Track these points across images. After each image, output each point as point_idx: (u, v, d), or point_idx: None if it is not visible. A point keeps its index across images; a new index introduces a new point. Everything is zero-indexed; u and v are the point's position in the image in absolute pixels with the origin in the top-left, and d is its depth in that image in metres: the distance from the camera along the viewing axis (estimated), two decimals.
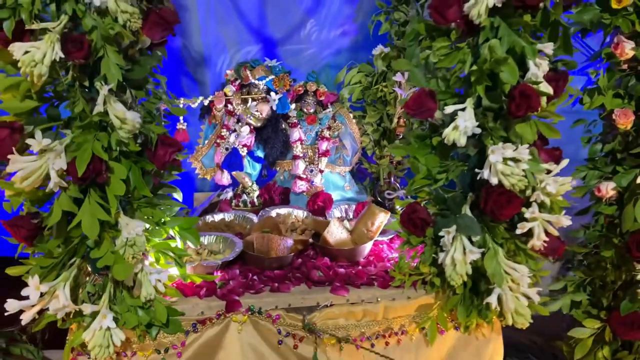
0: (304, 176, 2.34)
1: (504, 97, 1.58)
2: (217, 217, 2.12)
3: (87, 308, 1.34)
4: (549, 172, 1.63)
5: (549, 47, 1.59)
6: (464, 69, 1.62)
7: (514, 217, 1.68)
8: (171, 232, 1.55)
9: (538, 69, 1.60)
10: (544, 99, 1.61)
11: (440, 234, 1.63)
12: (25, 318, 1.34)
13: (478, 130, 1.57)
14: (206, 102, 2.19)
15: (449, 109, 1.60)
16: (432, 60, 1.72)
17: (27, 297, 1.33)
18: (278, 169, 2.43)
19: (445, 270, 1.62)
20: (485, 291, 1.67)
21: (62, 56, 1.31)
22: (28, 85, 1.37)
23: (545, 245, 1.63)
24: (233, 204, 2.30)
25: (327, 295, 1.68)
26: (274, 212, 2.12)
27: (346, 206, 2.30)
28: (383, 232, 2.05)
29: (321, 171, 2.37)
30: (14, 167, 1.29)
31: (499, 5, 1.50)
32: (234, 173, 2.28)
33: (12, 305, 1.31)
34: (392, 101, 2.47)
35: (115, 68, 1.35)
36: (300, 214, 2.15)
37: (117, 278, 1.35)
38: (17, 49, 1.28)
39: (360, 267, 1.84)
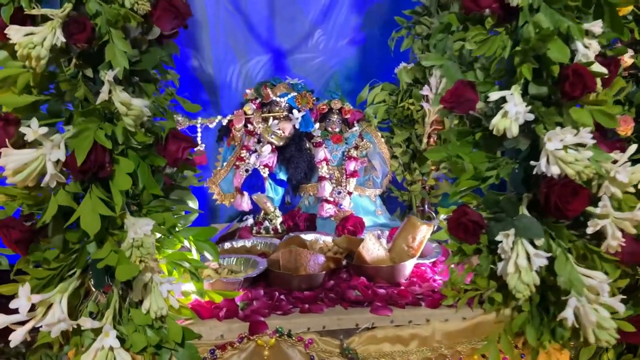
0: (331, 199, 2.14)
1: (551, 84, 1.42)
2: (237, 243, 1.90)
3: (86, 322, 1.12)
4: (614, 163, 1.42)
5: (597, 25, 1.44)
6: (504, 54, 1.46)
7: (579, 219, 1.46)
8: (186, 244, 1.35)
9: (588, 49, 1.44)
10: (598, 83, 1.44)
11: (497, 238, 1.40)
12: (14, 339, 1.12)
13: (531, 117, 1.38)
14: (225, 122, 2.06)
15: (494, 96, 1.43)
16: (467, 51, 1.58)
17: (16, 311, 1.11)
18: (302, 194, 2.24)
19: (508, 281, 1.37)
20: (555, 306, 1.42)
21: (64, 40, 1.18)
22: (27, 77, 1.24)
23: (621, 248, 1.39)
24: (254, 231, 2.09)
25: (368, 316, 1.43)
26: (300, 236, 1.90)
27: (379, 232, 2.07)
28: (423, 255, 1.82)
29: (349, 193, 2.17)
30: (5, 159, 1.12)
31: None
32: (254, 197, 2.08)
33: None
34: (420, 120, 2.32)
35: (121, 54, 1.22)
36: (329, 239, 1.93)
37: (120, 279, 1.13)
38: (13, 31, 1.16)
39: (402, 288, 1.59)
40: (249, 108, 2.09)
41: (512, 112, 1.37)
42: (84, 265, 1.21)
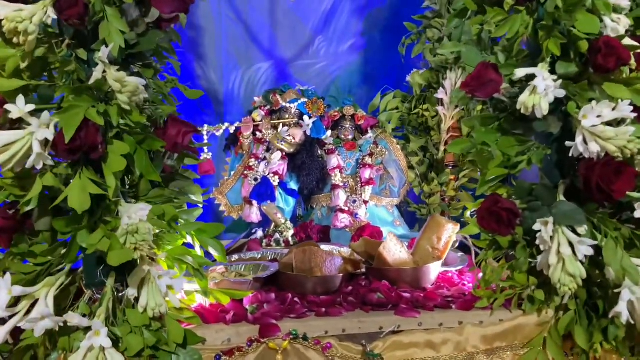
0: (346, 208, 2.01)
1: (580, 62, 1.31)
2: (246, 256, 1.75)
3: (73, 318, 0.97)
4: None
5: (624, 0, 1.34)
6: (526, 34, 1.37)
7: (621, 204, 1.31)
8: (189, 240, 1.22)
9: (617, 24, 1.34)
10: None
11: (535, 227, 1.26)
12: None
13: (561, 93, 1.27)
14: (232, 129, 1.96)
15: (520, 72, 1.32)
16: (485, 35, 1.49)
17: None
18: (315, 205, 2.11)
19: (551, 274, 1.22)
20: (604, 301, 1.26)
21: (54, 17, 1.10)
22: (17, 61, 1.15)
23: None
24: (264, 244, 1.94)
25: (393, 319, 1.27)
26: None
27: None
28: (447, 264, 1.66)
29: (365, 202, 2.04)
30: None
31: None
32: (264, 207, 1.95)
33: None
34: (436, 127, 2.21)
35: (117, 32, 1.13)
36: (345, 250, 1.79)
37: (111, 263, 0.99)
38: (1, 7, 1.08)
39: (429, 291, 1.44)
40: (258, 115, 2.00)
41: (541, 87, 1.26)
42: (74, 260, 1.08)
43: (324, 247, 1.79)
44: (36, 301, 1.01)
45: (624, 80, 1.37)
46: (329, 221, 2.05)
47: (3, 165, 1.03)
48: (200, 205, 1.29)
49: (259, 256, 1.75)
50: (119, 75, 1.08)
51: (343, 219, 1.99)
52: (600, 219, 1.28)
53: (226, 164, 2.08)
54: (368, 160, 2.07)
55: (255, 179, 1.97)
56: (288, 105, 2.03)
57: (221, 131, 1.94)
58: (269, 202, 1.95)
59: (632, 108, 1.24)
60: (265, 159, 2.00)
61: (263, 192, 1.93)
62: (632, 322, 1.21)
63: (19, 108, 1.04)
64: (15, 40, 1.10)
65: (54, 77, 1.21)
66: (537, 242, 1.26)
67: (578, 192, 1.32)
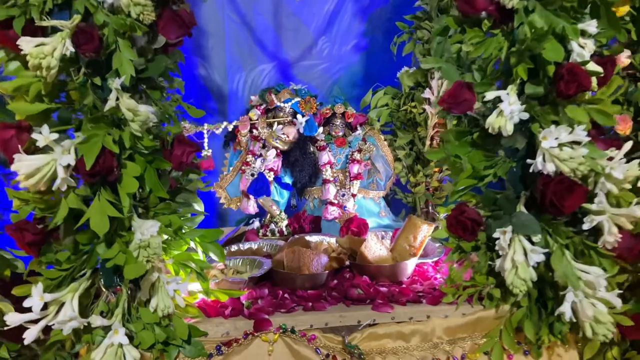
0: (336, 201, 2.18)
1: (547, 84, 1.45)
2: (244, 246, 1.95)
3: (96, 320, 1.17)
4: (610, 160, 1.44)
5: (592, 25, 1.47)
6: (500, 56, 1.50)
7: (576, 215, 1.48)
8: (192, 246, 1.39)
9: (583, 49, 1.47)
10: (594, 81, 1.47)
11: (495, 235, 1.44)
12: (28, 337, 1.17)
13: (525, 115, 1.42)
14: (230, 128, 2.11)
15: (490, 95, 1.46)
16: (464, 53, 1.62)
17: (30, 310, 1.17)
18: (307, 197, 2.28)
19: (506, 276, 1.40)
20: (553, 301, 1.44)
21: (73, 50, 1.24)
22: (39, 86, 1.30)
23: (618, 244, 1.42)
24: (260, 233, 2.13)
25: (369, 313, 1.46)
26: (305, 237, 1.94)
27: (383, 233, 2.11)
28: (425, 255, 1.85)
29: (353, 195, 2.21)
30: (18, 165, 1.18)
31: None
32: (260, 200, 2.13)
33: (12, 319, 1.15)
34: (423, 123, 2.36)
35: (128, 62, 1.27)
36: (333, 241, 1.97)
37: (128, 277, 1.18)
38: (25, 42, 1.22)
39: (404, 286, 1.63)
40: (254, 114, 2.15)
41: (507, 111, 1.41)
42: (93, 266, 1.26)
43: (315, 237, 1.99)
44: (63, 303, 1.19)
45: (589, 100, 1.52)
46: (320, 212, 2.23)
47: (31, 188, 1.20)
48: (202, 214, 1.46)
49: (256, 247, 1.94)
50: (132, 105, 1.23)
51: (333, 211, 2.17)
52: (554, 228, 1.46)
53: (225, 159, 2.23)
54: (357, 155, 2.23)
55: (252, 174, 2.14)
56: (282, 104, 2.16)
57: (220, 130, 2.09)
58: (264, 195, 2.12)
59: (586, 133, 1.39)
60: (261, 155, 2.16)
61: (259, 187, 2.11)
62: (575, 321, 1.40)
63: (44, 136, 1.19)
64: (38, 73, 1.24)
65: (71, 97, 1.35)
66: (497, 247, 1.44)
67: (537, 202, 1.49)
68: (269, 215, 2.17)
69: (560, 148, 1.38)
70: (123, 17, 1.29)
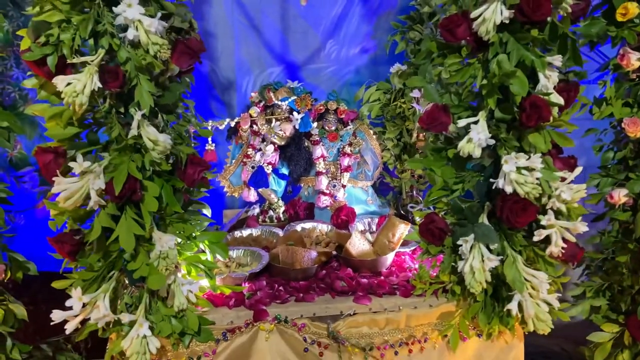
0: (327, 191, 2.42)
1: (515, 109, 1.64)
2: (245, 232, 2.21)
3: (125, 317, 1.44)
4: (563, 179, 1.67)
5: (557, 60, 1.64)
6: (475, 82, 1.68)
7: (532, 225, 1.72)
8: (201, 246, 1.65)
9: (548, 80, 1.66)
10: (555, 109, 1.66)
11: (459, 242, 1.69)
12: (69, 327, 1.45)
13: (492, 142, 1.62)
14: (233, 124, 2.31)
15: (462, 122, 1.66)
16: (444, 77, 1.79)
17: (70, 308, 1.43)
18: (302, 185, 2.52)
19: (465, 278, 1.67)
20: (506, 298, 1.71)
21: (100, 86, 1.43)
22: (70, 113, 1.50)
23: (564, 251, 1.67)
24: (260, 219, 2.39)
25: (351, 305, 1.74)
26: (299, 227, 2.20)
27: (369, 219, 2.37)
28: (405, 244, 2.11)
29: (344, 186, 2.45)
30: (58, 188, 1.41)
31: (507, 21, 1.57)
32: (260, 190, 2.38)
33: (57, 315, 1.42)
34: (411, 117, 2.54)
35: (148, 95, 1.46)
36: (324, 227, 2.24)
37: (151, 288, 1.45)
38: (60, 81, 1.42)
39: (382, 278, 1.90)
40: (254, 111, 2.34)
41: (476, 139, 1.61)
42: (120, 268, 1.52)
43: (308, 223, 2.25)
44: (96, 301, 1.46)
45: (552, 122, 1.72)
46: (314, 199, 2.47)
47: (69, 207, 1.43)
48: (209, 217, 1.70)
49: (255, 234, 2.20)
50: (152, 135, 1.44)
51: (324, 201, 2.41)
52: (510, 238, 1.71)
53: (228, 151, 2.45)
54: (347, 149, 2.44)
55: (253, 167, 2.37)
56: (279, 102, 2.35)
57: (223, 125, 2.29)
58: (264, 187, 2.37)
59: (541, 160, 1.61)
60: (261, 149, 2.38)
61: (259, 179, 2.35)
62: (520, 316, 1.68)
63: (78, 164, 1.41)
64: (71, 107, 1.44)
65: (97, 120, 1.56)
66: (460, 252, 1.70)
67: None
68: (267, 202, 2.42)
69: (519, 171, 1.60)
70: (142, 53, 1.47)
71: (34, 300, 1.51)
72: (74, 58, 1.45)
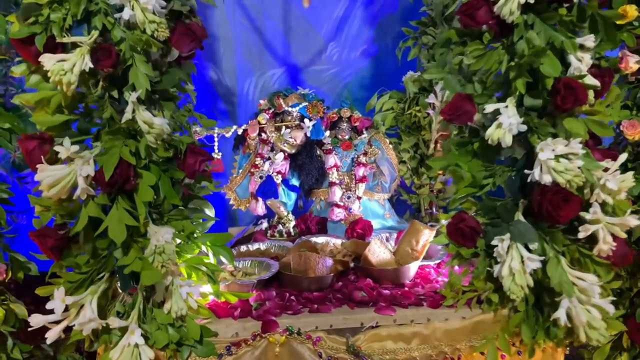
0: (341, 203, 2.25)
1: (546, 96, 1.49)
2: (252, 246, 2.02)
3: (114, 322, 1.25)
4: (605, 170, 1.49)
5: (589, 40, 1.51)
6: (500, 68, 1.54)
7: (574, 223, 1.53)
8: (204, 249, 1.47)
9: (581, 62, 1.52)
10: (591, 94, 1.51)
11: (493, 243, 1.49)
12: (50, 336, 1.25)
13: (524, 128, 1.47)
14: (240, 131, 2.17)
15: (490, 108, 1.51)
16: (466, 65, 1.66)
17: (52, 312, 1.25)
18: (314, 198, 2.35)
19: (503, 283, 1.46)
20: (550, 306, 1.50)
21: (91, 66, 1.31)
22: (59, 99, 1.37)
23: (613, 251, 1.47)
24: (268, 234, 2.21)
25: (372, 315, 1.53)
26: (311, 240, 2.01)
27: (387, 234, 2.17)
28: (428, 257, 1.91)
29: (359, 198, 2.27)
30: (41, 175, 1.25)
31: (531, 1, 1.44)
32: (268, 202, 2.20)
33: (35, 320, 1.23)
34: (427, 126, 2.41)
35: (144, 77, 1.34)
36: (338, 242, 2.04)
37: (145, 284, 1.26)
38: (46, 59, 1.29)
39: (406, 289, 1.69)
40: (263, 118, 2.21)
41: (506, 123, 1.46)
42: (111, 269, 1.34)
43: (321, 238, 2.06)
44: (82, 305, 1.27)
45: (587, 111, 1.57)
46: (326, 213, 2.29)
47: (53, 197, 1.27)
48: (213, 219, 1.53)
49: (264, 248, 2.01)
50: (148, 118, 1.30)
51: (338, 213, 2.23)
52: (551, 236, 1.51)
53: (235, 161, 2.30)
54: (362, 159, 2.29)
55: (261, 177, 2.21)
56: (290, 109, 2.22)
57: (230, 133, 2.15)
58: (272, 198, 2.19)
59: (581, 145, 1.44)
60: (269, 158, 2.23)
61: (268, 189, 2.18)
62: (570, 326, 1.46)
63: (65, 148, 1.26)
64: (58, 87, 1.31)
65: (89, 108, 1.42)
66: (495, 254, 1.50)
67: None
68: (276, 216, 2.24)
69: (557, 160, 1.43)
70: (138, 33, 1.35)
71: (35, 300, 1.38)
72: (64, 37, 1.33)
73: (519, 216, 1.53)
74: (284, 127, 2.21)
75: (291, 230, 2.22)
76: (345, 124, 2.32)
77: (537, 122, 1.50)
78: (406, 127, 2.46)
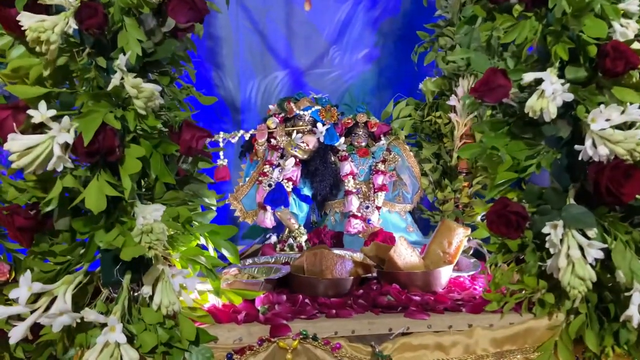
0: (359, 214, 2.03)
1: (589, 67, 1.32)
2: (259, 260, 1.78)
3: (90, 314, 1.01)
4: None
5: (633, 4, 1.34)
6: (535, 39, 1.37)
7: (632, 207, 1.31)
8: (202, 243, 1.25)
9: (626, 29, 1.35)
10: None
11: (544, 230, 1.26)
12: (14, 335, 1.02)
13: (569, 96, 1.27)
14: (247, 136, 2.00)
15: (528, 77, 1.32)
16: (495, 41, 1.51)
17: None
18: (328, 211, 2.14)
19: (561, 277, 1.22)
20: (615, 304, 1.25)
21: (75, 27, 1.15)
22: (40, 69, 1.21)
23: None
24: (277, 248, 1.97)
25: (403, 320, 1.28)
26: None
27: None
28: (460, 269, 1.67)
29: (378, 208, 2.06)
30: (11, 144, 1.07)
31: None
32: (278, 213, 1.98)
33: None
34: (449, 134, 2.23)
35: (134, 41, 1.18)
36: (357, 256, 1.80)
37: (123, 258, 1.03)
38: (25, 18, 1.14)
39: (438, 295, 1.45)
40: (272, 122, 2.04)
41: (549, 91, 1.26)
42: (92, 260, 1.12)
43: (338, 251, 1.82)
44: (55, 298, 1.05)
45: (634, 84, 1.38)
46: (342, 227, 2.07)
47: (25, 168, 1.08)
48: (214, 208, 1.32)
49: (273, 260, 1.78)
50: (136, 81, 1.13)
51: (356, 225, 2.01)
52: (611, 222, 1.28)
53: (240, 170, 2.12)
54: (381, 166, 2.09)
55: (270, 185, 2.00)
56: (302, 112, 2.06)
57: (236, 138, 1.98)
58: (282, 207, 1.98)
59: None
60: (279, 165, 2.04)
61: (277, 197, 1.97)
62: None
63: (40, 113, 1.09)
64: (38, 49, 1.15)
65: (75, 84, 1.26)
66: (547, 245, 1.26)
67: (588, 195, 1.32)
68: (287, 230, 2.02)
69: (612, 130, 1.23)
70: None
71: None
72: None
73: (571, 200, 1.31)
74: (295, 132, 2.04)
75: (303, 244, 1.98)
76: (361, 130, 2.15)
77: (584, 92, 1.31)
78: (426, 136, 2.28)
